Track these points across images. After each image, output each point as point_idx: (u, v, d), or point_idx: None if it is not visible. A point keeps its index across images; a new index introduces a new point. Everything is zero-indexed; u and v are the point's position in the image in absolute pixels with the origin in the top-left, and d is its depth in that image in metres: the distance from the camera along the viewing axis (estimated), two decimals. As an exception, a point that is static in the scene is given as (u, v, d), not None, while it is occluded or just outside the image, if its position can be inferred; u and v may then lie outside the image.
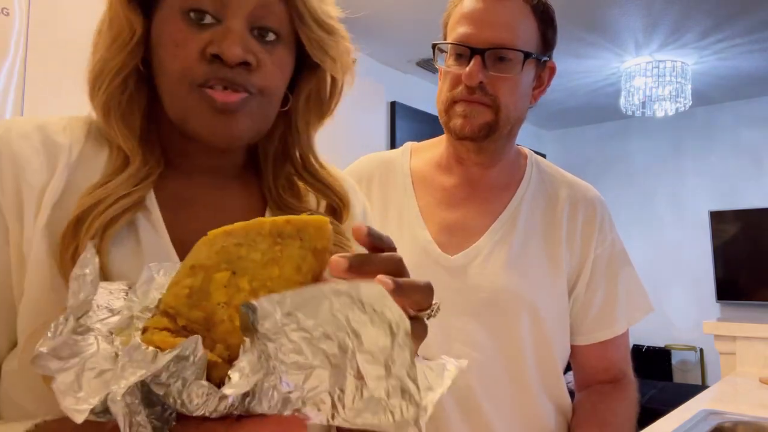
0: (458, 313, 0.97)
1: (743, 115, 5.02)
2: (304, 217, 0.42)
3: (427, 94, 4.38)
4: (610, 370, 1.09)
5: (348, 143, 2.61)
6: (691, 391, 3.00)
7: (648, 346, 5.02)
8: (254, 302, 0.34)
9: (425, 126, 4.27)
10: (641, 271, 1.15)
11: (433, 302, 0.45)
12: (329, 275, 0.43)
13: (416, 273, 0.45)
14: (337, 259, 0.41)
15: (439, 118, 1.03)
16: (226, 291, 0.40)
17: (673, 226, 5.24)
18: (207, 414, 0.36)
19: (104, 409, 0.35)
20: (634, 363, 1.13)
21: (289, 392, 0.34)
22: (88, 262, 0.40)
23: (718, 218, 4.89)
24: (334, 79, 0.65)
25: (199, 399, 0.35)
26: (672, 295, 4.95)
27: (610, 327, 1.06)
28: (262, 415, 0.36)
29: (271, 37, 0.58)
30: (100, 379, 0.36)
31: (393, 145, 4.08)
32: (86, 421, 0.34)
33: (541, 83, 1.04)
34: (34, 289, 0.52)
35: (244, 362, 0.35)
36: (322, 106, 0.66)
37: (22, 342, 0.53)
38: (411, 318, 0.43)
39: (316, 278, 0.42)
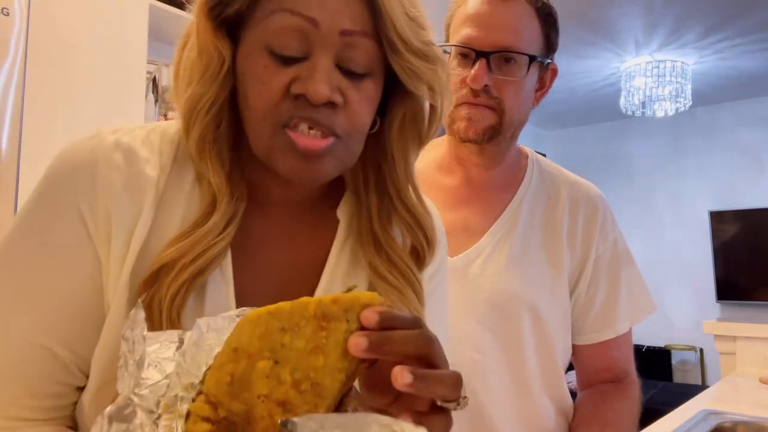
0: (459, 314, 0.97)
1: (743, 115, 5.01)
2: (352, 295, 0.41)
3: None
4: (613, 369, 1.09)
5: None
6: (691, 391, 2.99)
7: (648, 346, 5.02)
8: (295, 419, 0.35)
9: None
10: (641, 271, 1.14)
11: (462, 395, 0.42)
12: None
13: None
14: (356, 339, 0.38)
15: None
16: (267, 382, 0.40)
17: (673, 226, 5.24)
18: None
19: None
20: (634, 363, 1.12)
21: None
22: (138, 323, 0.41)
23: (718, 218, 4.89)
24: (432, 105, 0.60)
25: None
26: (672, 295, 4.94)
27: (611, 327, 1.06)
28: None
29: (359, 70, 0.54)
30: None
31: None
32: None
33: (543, 85, 1.04)
34: (110, 335, 0.52)
35: None
36: (421, 131, 0.61)
37: (93, 384, 0.54)
38: (436, 408, 0.42)
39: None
